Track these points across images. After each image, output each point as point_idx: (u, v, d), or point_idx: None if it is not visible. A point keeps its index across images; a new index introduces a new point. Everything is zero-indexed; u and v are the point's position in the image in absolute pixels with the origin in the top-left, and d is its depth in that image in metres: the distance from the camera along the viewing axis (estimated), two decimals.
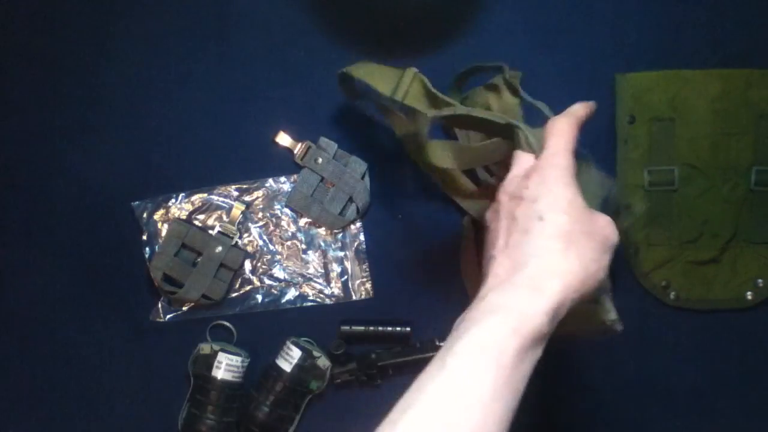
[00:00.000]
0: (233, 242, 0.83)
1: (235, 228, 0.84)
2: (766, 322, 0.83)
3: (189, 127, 0.84)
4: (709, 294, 0.82)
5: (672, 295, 0.82)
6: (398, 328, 0.82)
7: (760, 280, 0.81)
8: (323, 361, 0.81)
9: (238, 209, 0.83)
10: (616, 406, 0.84)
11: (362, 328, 0.83)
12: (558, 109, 0.81)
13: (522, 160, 0.54)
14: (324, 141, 0.83)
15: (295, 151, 0.83)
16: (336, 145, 0.83)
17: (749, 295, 0.81)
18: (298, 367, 0.79)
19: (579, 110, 0.55)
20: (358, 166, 0.83)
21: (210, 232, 0.84)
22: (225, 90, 0.83)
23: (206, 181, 0.84)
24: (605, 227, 0.49)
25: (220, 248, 0.82)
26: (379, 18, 0.81)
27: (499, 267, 0.48)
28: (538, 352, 0.45)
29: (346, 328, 0.83)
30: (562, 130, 0.53)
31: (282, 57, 0.83)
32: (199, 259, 0.83)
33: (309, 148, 0.83)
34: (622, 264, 0.82)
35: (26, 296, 0.85)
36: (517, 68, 0.81)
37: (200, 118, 0.84)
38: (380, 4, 0.81)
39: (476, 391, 0.42)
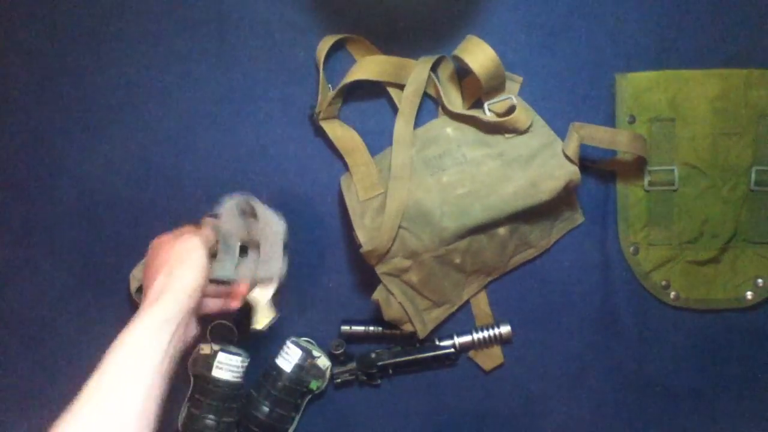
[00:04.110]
0: None
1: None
2: (766, 322, 0.83)
3: (189, 127, 0.84)
4: (709, 294, 0.82)
5: (672, 295, 0.82)
6: (398, 328, 0.82)
7: (760, 280, 0.81)
8: (323, 361, 0.81)
9: None
10: (616, 406, 0.84)
11: (362, 328, 0.83)
12: (558, 112, 0.82)
13: None
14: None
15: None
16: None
17: (749, 295, 0.81)
18: (298, 367, 0.79)
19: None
20: None
21: None
22: (225, 90, 0.83)
23: (206, 181, 0.84)
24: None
25: None
26: (379, 18, 0.81)
27: None
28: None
29: (346, 328, 0.83)
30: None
31: (282, 57, 0.83)
32: None
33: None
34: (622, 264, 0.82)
35: (26, 296, 0.85)
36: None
37: (200, 118, 0.84)
38: (380, 4, 0.81)
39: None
